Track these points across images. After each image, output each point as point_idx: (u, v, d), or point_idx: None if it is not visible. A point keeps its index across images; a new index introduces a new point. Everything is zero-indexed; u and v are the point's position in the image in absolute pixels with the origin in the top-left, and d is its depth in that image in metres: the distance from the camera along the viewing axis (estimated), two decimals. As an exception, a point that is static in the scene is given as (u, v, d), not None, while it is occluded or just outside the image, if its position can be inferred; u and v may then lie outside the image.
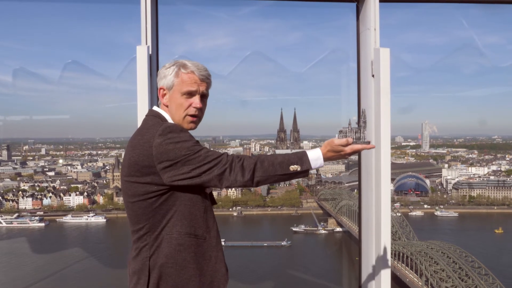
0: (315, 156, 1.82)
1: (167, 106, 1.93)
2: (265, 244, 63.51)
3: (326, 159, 1.84)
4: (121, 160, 1.92)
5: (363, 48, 3.03)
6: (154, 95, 2.73)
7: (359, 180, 3.20)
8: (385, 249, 2.92)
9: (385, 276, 2.94)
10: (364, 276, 3.16)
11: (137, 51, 2.70)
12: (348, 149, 1.83)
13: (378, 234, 2.95)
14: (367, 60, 2.96)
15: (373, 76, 2.92)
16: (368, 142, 1.85)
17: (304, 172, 1.81)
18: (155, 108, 1.97)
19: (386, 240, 2.94)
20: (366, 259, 3.11)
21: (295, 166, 1.78)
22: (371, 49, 2.93)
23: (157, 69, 2.80)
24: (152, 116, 1.92)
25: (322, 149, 1.85)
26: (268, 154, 1.92)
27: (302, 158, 1.80)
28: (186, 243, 1.82)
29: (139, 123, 2.61)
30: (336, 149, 1.83)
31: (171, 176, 1.74)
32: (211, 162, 1.73)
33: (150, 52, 2.75)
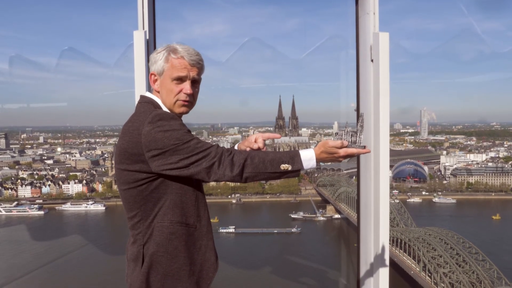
0: (307, 157, 1.77)
1: (158, 92, 1.90)
2: (275, 231, 63.71)
3: (319, 160, 1.79)
4: (117, 148, 1.89)
5: (362, 33, 2.98)
6: (152, 81, 2.71)
7: (358, 167, 3.18)
8: (383, 235, 2.92)
9: (383, 262, 2.95)
10: (362, 262, 3.17)
11: (134, 36, 2.66)
12: (342, 151, 1.77)
13: (377, 221, 2.95)
14: (366, 45, 2.92)
15: (372, 61, 2.89)
16: (364, 147, 1.80)
17: (295, 172, 1.76)
18: (147, 93, 1.93)
19: (384, 226, 2.94)
20: (364, 245, 3.12)
21: (286, 165, 1.73)
22: (370, 34, 2.89)
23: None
24: (145, 103, 1.87)
25: (315, 150, 1.79)
26: (260, 150, 1.91)
27: (294, 157, 1.75)
28: (178, 232, 1.81)
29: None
30: (330, 150, 1.78)
31: (159, 165, 1.72)
32: (200, 154, 1.70)
33: (148, 37, 2.71)
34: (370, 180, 3.01)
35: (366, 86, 2.95)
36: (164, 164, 1.71)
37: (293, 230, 64.21)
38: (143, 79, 2.62)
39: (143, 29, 2.71)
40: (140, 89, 2.61)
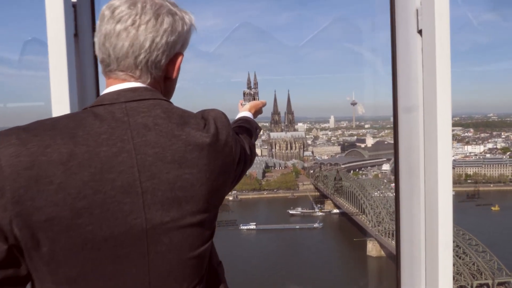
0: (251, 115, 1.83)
1: (166, 83, 1.13)
2: (297, 227, 65.58)
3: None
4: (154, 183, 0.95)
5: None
6: (83, 66, 1.74)
7: (396, 164, 2.27)
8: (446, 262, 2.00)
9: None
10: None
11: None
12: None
13: (435, 233, 2.00)
14: (410, 10, 1.96)
15: (419, 32, 1.93)
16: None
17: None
18: (139, 84, 1.06)
19: (446, 244, 2.00)
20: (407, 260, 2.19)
21: (258, 130, 1.73)
22: (416, -8, 1.93)
23: (93, 24, 1.80)
24: (166, 101, 1.07)
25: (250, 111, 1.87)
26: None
27: (252, 121, 1.75)
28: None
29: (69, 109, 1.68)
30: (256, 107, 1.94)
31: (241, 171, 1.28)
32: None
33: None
34: (417, 181, 2.06)
35: (409, 71, 2.01)
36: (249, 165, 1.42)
37: (315, 225, 66.19)
38: (64, 68, 1.64)
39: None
40: (59, 79, 1.64)
